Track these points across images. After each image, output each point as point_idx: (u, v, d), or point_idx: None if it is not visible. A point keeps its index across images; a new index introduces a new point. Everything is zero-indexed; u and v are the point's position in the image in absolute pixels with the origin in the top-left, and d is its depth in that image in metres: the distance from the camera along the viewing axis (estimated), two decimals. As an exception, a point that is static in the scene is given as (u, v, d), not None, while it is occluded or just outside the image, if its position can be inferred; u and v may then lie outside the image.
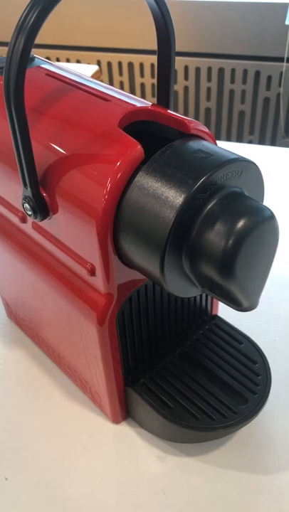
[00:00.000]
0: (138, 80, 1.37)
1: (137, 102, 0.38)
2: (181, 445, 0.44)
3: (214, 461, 0.43)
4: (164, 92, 0.39)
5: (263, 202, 0.37)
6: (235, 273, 0.31)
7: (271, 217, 0.32)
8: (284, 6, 1.09)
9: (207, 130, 0.37)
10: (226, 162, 0.31)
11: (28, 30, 0.30)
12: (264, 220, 0.31)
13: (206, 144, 0.34)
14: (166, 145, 0.34)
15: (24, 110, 0.32)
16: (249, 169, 0.34)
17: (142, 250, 0.33)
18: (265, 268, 0.34)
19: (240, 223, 0.30)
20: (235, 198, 0.32)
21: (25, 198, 0.37)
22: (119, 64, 1.35)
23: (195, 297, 0.46)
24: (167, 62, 0.38)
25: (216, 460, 0.43)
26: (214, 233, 0.31)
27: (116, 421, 0.46)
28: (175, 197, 0.31)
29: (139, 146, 0.33)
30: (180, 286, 0.35)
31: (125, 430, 0.46)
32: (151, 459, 0.44)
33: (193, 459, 0.43)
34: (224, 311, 0.49)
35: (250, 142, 1.39)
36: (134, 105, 0.37)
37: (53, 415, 0.48)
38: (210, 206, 0.31)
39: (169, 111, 0.37)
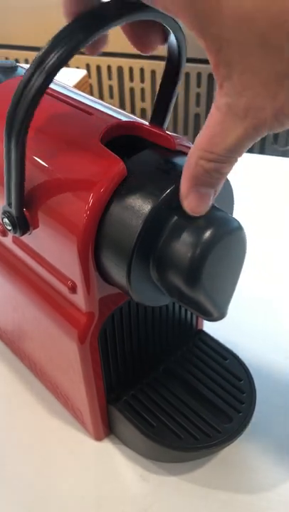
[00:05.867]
0: (127, 85, 1.36)
1: (123, 116, 0.37)
2: (165, 464, 0.43)
3: (198, 481, 0.42)
4: (161, 112, 0.38)
5: (232, 212, 0.37)
6: (202, 283, 0.31)
7: (238, 228, 0.32)
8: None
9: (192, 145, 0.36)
10: None
11: (48, 69, 0.28)
12: (231, 231, 0.31)
13: (174, 158, 0.35)
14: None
15: (24, 146, 0.31)
16: None
17: (113, 261, 0.33)
18: (233, 278, 0.34)
19: (207, 234, 0.31)
20: None
21: (5, 213, 0.36)
22: (109, 68, 1.34)
23: (180, 313, 0.45)
24: (171, 88, 0.37)
25: (200, 479, 0.42)
26: (181, 243, 0.31)
27: (98, 438, 0.45)
28: (142, 207, 0.31)
29: (122, 163, 0.32)
30: (148, 295, 0.35)
31: (107, 448, 0.45)
32: (134, 478, 0.43)
33: (176, 478, 0.42)
34: (210, 326, 0.48)
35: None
36: (118, 119, 0.36)
37: (33, 431, 0.46)
38: (177, 216, 0.32)
39: (152, 127, 0.36)
